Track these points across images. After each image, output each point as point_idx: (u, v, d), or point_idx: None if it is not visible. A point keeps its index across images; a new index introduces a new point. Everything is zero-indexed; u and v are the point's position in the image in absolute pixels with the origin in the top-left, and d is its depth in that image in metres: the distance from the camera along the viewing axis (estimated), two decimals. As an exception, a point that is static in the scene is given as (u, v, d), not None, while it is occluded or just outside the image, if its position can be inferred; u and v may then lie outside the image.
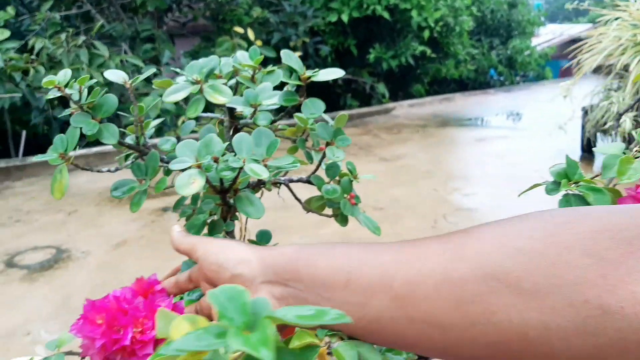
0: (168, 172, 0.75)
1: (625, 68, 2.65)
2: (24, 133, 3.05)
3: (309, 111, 0.72)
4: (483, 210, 1.99)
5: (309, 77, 0.70)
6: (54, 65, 3.19)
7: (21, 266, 1.61)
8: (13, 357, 1.07)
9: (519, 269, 0.31)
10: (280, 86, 0.72)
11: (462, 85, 6.64)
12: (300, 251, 0.51)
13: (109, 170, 0.72)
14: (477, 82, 6.75)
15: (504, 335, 0.31)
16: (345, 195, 0.90)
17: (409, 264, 0.37)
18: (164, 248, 1.74)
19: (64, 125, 3.27)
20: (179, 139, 0.84)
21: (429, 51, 5.13)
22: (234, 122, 0.84)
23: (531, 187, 0.59)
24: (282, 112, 0.79)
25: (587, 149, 2.88)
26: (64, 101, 3.37)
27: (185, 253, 0.58)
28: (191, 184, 0.59)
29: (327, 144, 0.79)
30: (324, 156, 0.83)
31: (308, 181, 0.89)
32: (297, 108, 0.80)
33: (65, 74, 0.65)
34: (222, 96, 0.68)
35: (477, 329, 0.32)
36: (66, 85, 0.64)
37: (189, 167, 0.59)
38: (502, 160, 2.77)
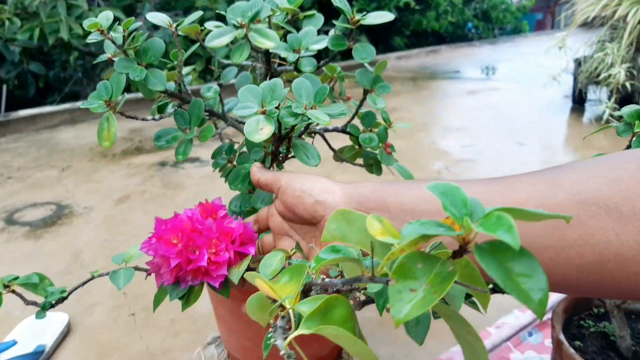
0: (202, 121, 0.73)
1: (620, 19, 2.64)
2: (4, 88, 2.93)
3: (360, 56, 0.71)
4: (484, 161, 2.01)
5: (358, 21, 0.68)
6: (28, 17, 3.03)
7: (22, 223, 1.58)
8: (28, 317, 1.07)
9: (617, 195, 0.33)
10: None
11: (441, 38, 6.57)
12: (384, 184, 0.51)
13: (153, 119, 0.70)
14: (455, 36, 6.69)
15: (601, 256, 0.33)
16: (381, 145, 0.90)
17: (503, 193, 0.39)
18: (168, 202, 1.72)
19: (37, 79, 3.14)
20: (220, 87, 0.82)
21: (413, 3, 5.03)
22: (269, 69, 0.81)
23: (600, 129, 0.59)
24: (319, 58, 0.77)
25: (579, 100, 2.91)
26: (41, 54, 3.22)
27: (266, 185, 0.57)
28: (260, 130, 0.57)
29: (366, 92, 0.78)
30: (361, 104, 0.82)
31: (343, 130, 0.88)
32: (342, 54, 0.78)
33: (107, 16, 0.61)
34: (268, 40, 0.66)
35: (574, 250, 0.34)
36: (109, 29, 0.62)
37: (255, 113, 0.58)
38: (496, 112, 2.78)
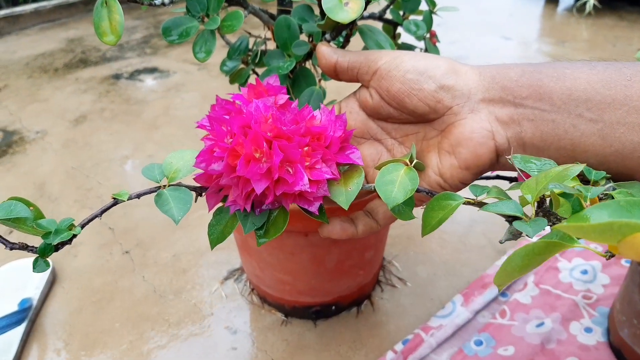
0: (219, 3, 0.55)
1: None
2: None
3: None
4: (473, 57, 1.89)
5: None
6: None
7: (-37, 154, 1.35)
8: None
9: None
10: None
11: None
12: (535, 64, 0.37)
13: (163, 4, 0.52)
14: None
15: None
16: (426, 34, 0.75)
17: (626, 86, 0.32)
18: (135, 120, 1.52)
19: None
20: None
21: None
22: None
23: None
24: None
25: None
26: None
27: (350, 70, 0.38)
28: (345, 5, 0.41)
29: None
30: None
31: (380, 17, 0.71)
32: None
33: None
34: None
35: None
36: None
37: None
38: (473, 7, 2.62)
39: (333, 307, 0.79)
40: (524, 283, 0.86)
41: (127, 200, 0.37)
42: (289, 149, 0.34)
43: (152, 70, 1.91)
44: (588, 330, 0.77)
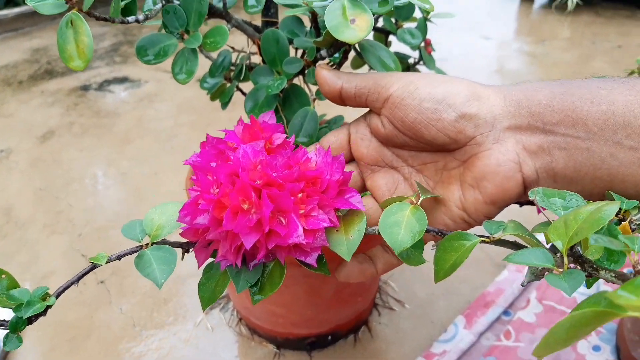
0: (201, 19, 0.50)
1: None
2: None
3: None
4: (455, 59, 1.86)
5: None
6: None
7: None
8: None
9: None
10: None
11: None
12: (565, 84, 0.32)
13: (137, 21, 0.46)
14: None
15: None
16: (421, 44, 0.70)
17: None
18: (106, 134, 1.44)
19: None
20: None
21: None
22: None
23: None
24: None
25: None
26: None
27: (357, 97, 0.31)
28: (351, 22, 0.36)
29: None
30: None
31: (373, 27, 0.66)
32: None
33: None
34: None
35: None
36: None
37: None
38: (451, 6, 2.60)
39: (329, 337, 0.74)
40: (527, 299, 0.82)
41: (106, 264, 0.33)
42: (280, 198, 0.31)
43: (122, 80, 1.83)
44: (596, 348, 0.74)
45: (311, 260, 0.32)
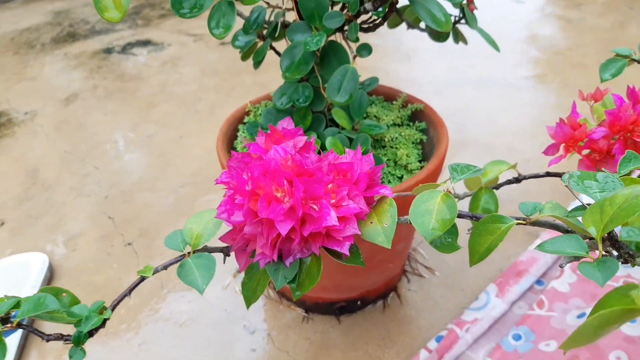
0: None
1: None
2: None
3: None
4: (486, 24, 1.79)
5: None
6: None
7: (-52, 138, 1.27)
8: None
9: None
10: None
11: None
12: None
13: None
14: None
15: None
16: (463, 1, 0.67)
17: None
18: (130, 98, 1.43)
19: None
20: None
21: None
22: None
23: None
24: None
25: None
26: None
27: None
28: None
29: None
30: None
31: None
32: None
33: None
34: None
35: None
36: None
37: None
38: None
39: (358, 302, 0.73)
40: (561, 269, 0.80)
41: (152, 275, 0.36)
42: (311, 185, 0.32)
43: (145, 43, 1.81)
44: (632, 320, 0.72)
45: (345, 249, 0.33)
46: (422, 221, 0.33)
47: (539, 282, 0.78)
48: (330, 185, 0.34)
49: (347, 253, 0.33)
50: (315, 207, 0.33)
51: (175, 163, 1.12)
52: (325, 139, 0.55)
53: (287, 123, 0.41)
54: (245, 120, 0.70)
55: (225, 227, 0.37)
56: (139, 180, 1.08)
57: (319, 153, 0.40)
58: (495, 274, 0.80)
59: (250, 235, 0.34)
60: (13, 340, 0.71)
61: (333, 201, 0.34)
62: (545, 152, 0.45)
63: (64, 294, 0.35)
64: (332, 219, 0.32)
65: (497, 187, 0.48)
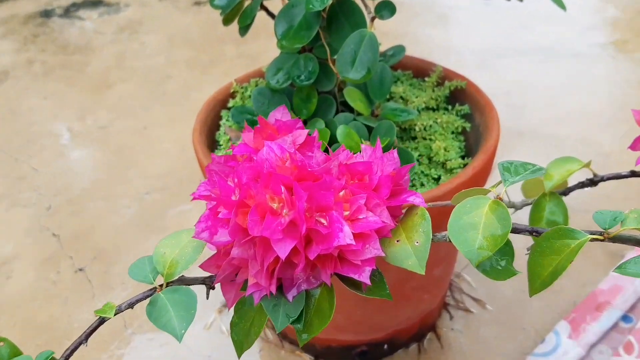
0: None
1: None
2: None
3: None
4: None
5: None
6: None
7: None
8: None
9: None
10: None
11: None
12: None
13: None
14: None
15: None
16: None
17: None
18: (77, 76, 1.45)
19: None
20: None
21: None
22: None
23: None
24: None
25: None
26: None
27: None
28: None
29: None
30: None
31: None
32: None
33: None
34: None
35: None
36: None
37: None
38: None
39: (385, 346, 0.75)
40: (654, 300, 0.81)
41: (114, 316, 0.37)
42: (317, 191, 0.32)
43: (95, 3, 1.83)
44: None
45: (364, 277, 0.33)
46: (465, 238, 0.33)
47: (625, 318, 0.79)
48: (342, 193, 0.34)
49: (368, 282, 0.34)
50: (323, 220, 0.33)
51: (139, 162, 1.14)
52: (336, 129, 0.56)
53: (280, 113, 0.42)
54: (230, 104, 0.71)
55: (209, 252, 0.38)
56: (91, 185, 1.09)
57: (327, 150, 0.41)
58: (566, 308, 0.81)
59: (239, 261, 0.34)
60: None
61: (347, 213, 0.34)
62: (632, 147, 0.46)
63: (1, 343, 0.36)
64: (347, 237, 0.32)
65: (566, 192, 0.48)
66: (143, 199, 1.05)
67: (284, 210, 0.32)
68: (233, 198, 0.34)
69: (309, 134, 0.40)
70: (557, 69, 1.33)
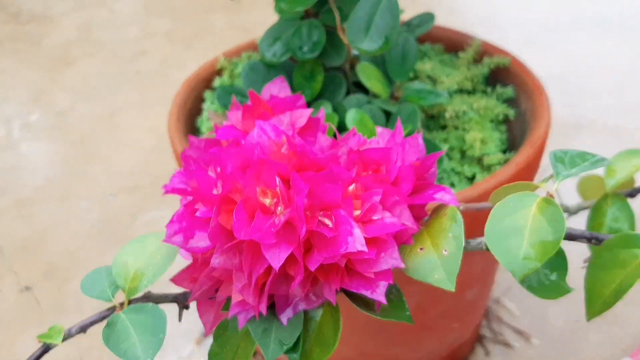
0: None
1: None
2: None
3: None
4: None
5: None
6: None
7: None
8: None
9: None
10: None
11: None
12: None
13: None
14: None
15: None
16: None
17: None
18: (33, 50, 1.46)
19: None
20: None
21: None
22: None
23: None
24: None
25: None
26: None
27: None
28: None
29: None
30: None
31: None
32: None
33: None
34: None
35: None
36: None
37: None
38: None
39: (403, 388, 0.74)
40: None
41: (63, 342, 0.38)
42: (320, 184, 0.33)
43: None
44: None
45: (378, 294, 0.34)
46: (506, 245, 0.33)
47: None
48: (352, 187, 0.34)
49: (384, 300, 0.34)
50: (327, 221, 0.33)
51: (103, 156, 1.15)
52: (346, 113, 0.55)
53: (278, 88, 0.42)
54: (216, 83, 0.71)
55: (184, 261, 0.38)
56: (45, 183, 1.10)
57: (335, 135, 0.41)
58: (630, 342, 0.81)
59: (221, 273, 0.35)
60: None
61: (357, 212, 0.34)
62: None
63: None
64: (357, 242, 0.32)
65: (633, 193, 0.48)
66: (108, 201, 1.05)
67: (279, 208, 0.33)
68: (214, 192, 0.34)
69: (312, 115, 0.40)
70: (623, 46, 1.32)
